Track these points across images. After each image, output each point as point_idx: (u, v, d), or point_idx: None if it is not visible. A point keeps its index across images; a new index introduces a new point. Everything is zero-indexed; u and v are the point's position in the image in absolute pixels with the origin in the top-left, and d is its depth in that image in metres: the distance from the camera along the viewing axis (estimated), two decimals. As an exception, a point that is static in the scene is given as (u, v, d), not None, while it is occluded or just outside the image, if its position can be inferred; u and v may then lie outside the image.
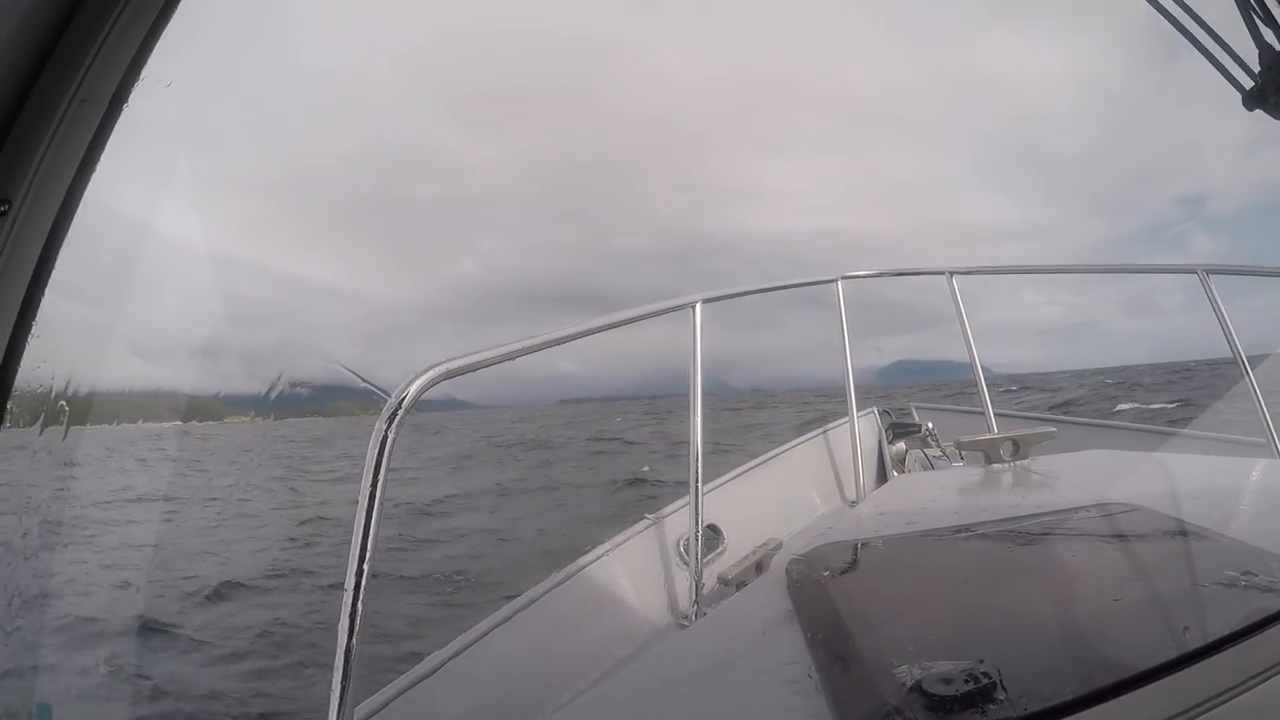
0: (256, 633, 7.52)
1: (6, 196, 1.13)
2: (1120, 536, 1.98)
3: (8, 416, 1.25)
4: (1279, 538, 1.68)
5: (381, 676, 2.29)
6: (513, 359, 2.01)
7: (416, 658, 2.42)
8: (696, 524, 2.71)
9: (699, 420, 2.75)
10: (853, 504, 3.87)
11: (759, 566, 3.05)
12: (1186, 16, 1.30)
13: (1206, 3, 1.31)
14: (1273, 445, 3.20)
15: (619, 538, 3.11)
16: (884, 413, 4.83)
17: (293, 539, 11.83)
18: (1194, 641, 1.25)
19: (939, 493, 2.89)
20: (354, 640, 1.35)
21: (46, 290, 1.21)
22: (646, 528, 3.18)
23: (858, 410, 3.84)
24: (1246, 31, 1.25)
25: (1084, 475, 2.72)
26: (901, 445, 4.59)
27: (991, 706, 1.17)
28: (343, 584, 1.37)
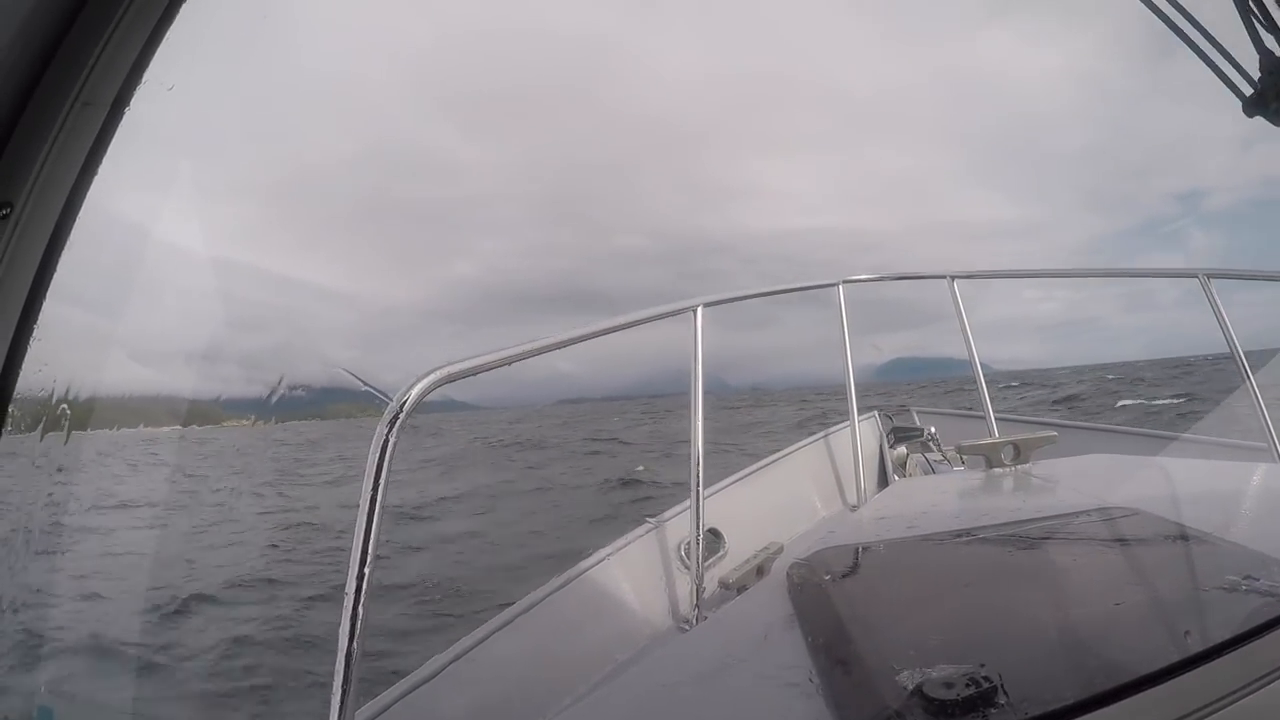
0: (220, 653, 7.10)
1: (8, 200, 1.13)
2: (1121, 541, 1.97)
3: (9, 420, 1.25)
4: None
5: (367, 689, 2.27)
6: (513, 363, 2.01)
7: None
8: (697, 528, 2.71)
9: (700, 424, 2.75)
10: (854, 508, 3.87)
11: (760, 570, 3.05)
12: (1185, 20, 1.30)
13: (1206, 7, 1.30)
14: (1273, 449, 3.20)
15: (620, 541, 3.11)
16: (885, 417, 4.83)
17: (274, 546, 11.56)
18: (1195, 646, 1.25)
19: (940, 497, 2.89)
20: (355, 644, 1.35)
21: (48, 294, 1.21)
22: (647, 531, 3.18)
23: (859, 414, 3.84)
24: (1246, 36, 1.24)
25: (1085, 479, 2.71)
26: (902, 449, 4.59)
27: (992, 711, 1.17)
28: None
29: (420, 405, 1.65)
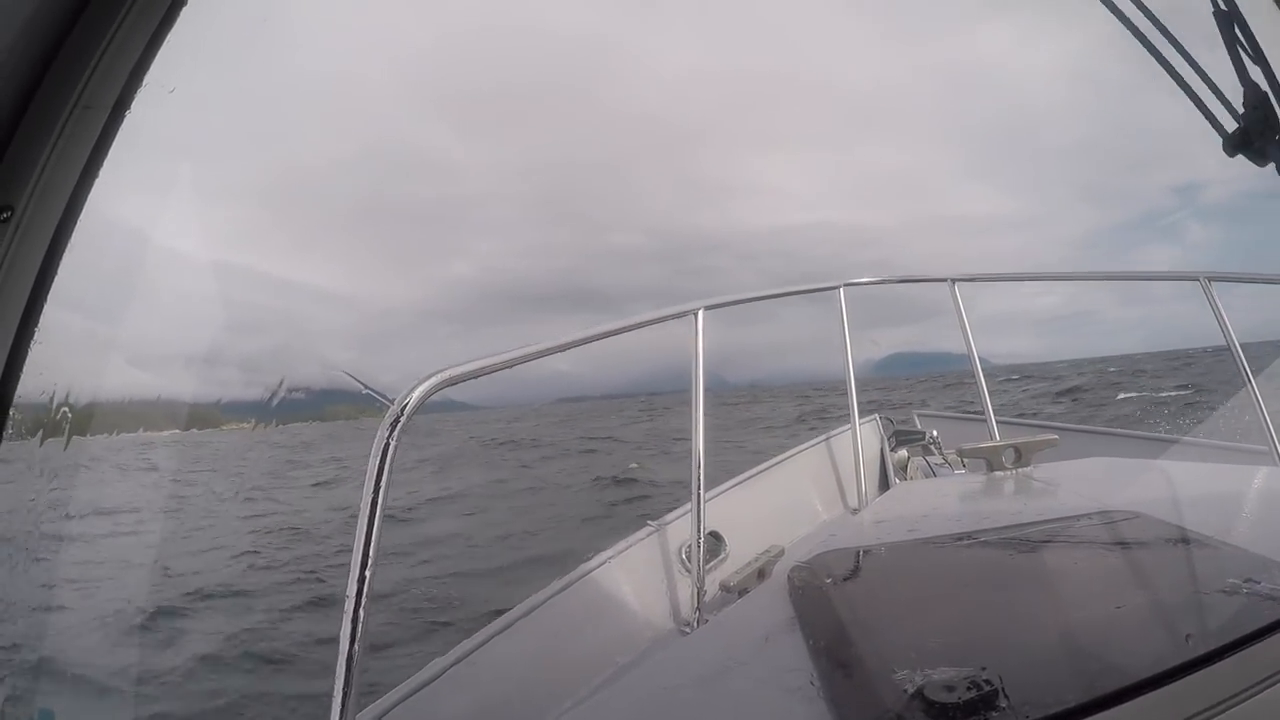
0: (181, 674, 6.51)
1: (9, 203, 1.13)
2: (1122, 544, 1.97)
3: (9, 423, 1.25)
4: None
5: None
6: (514, 365, 2.02)
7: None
8: (698, 531, 2.71)
9: (700, 426, 2.75)
10: (855, 511, 3.87)
11: (761, 573, 3.04)
12: (1170, 45, 1.27)
13: (1190, 35, 1.28)
14: (1274, 452, 3.19)
15: (621, 544, 3.11)
16: (886, 420, 4.83)
17: (254, 551, 11.13)
18: (1196, 649, 1.25)
19: (941, 500, 2.89)
20: (356, 647, 1.36)
21: (48, 298, 1.21)
22: (648, 535, 3.18)
23: (860, 417, 3.84)
24: (1231, 67, 1.22)
25: (1086, 483, 2.71)
26: (904, 452, 4.58)
27: (993, 714, 1.17)
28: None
29: (420, 408, 1.65)
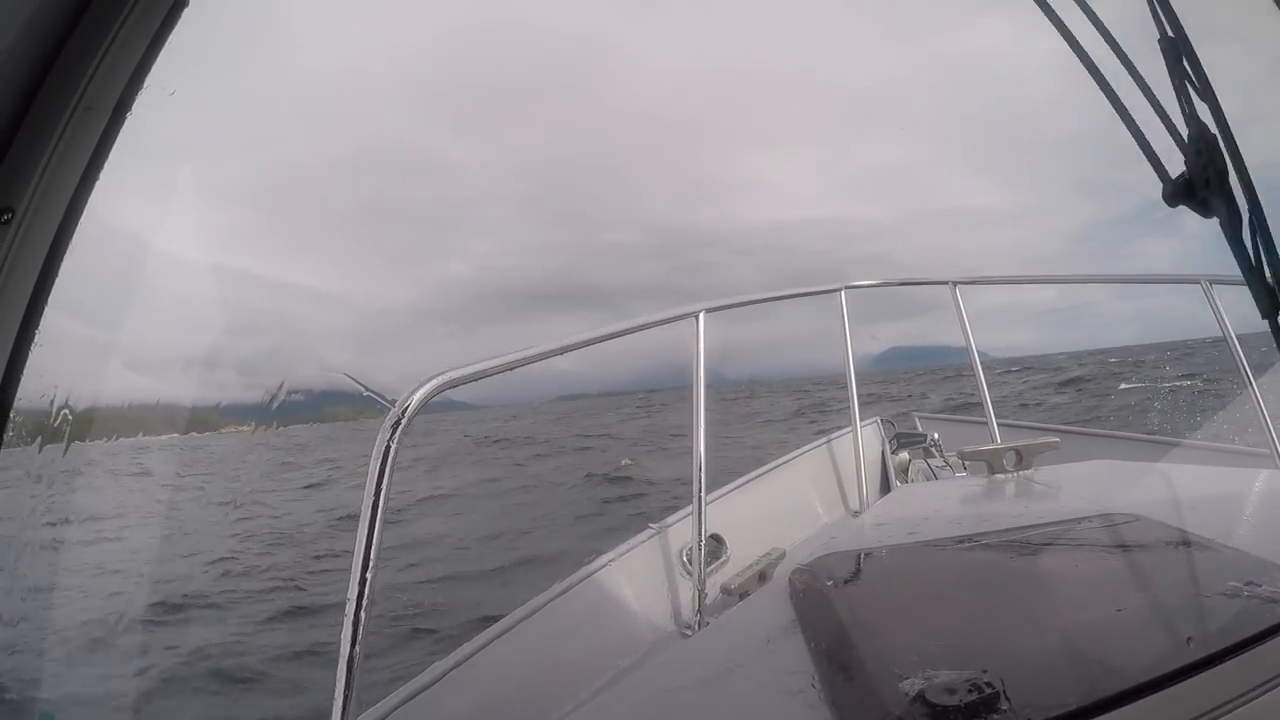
0: (136, 696, 6.05)
1: (9, 205, 1.13)
2: (1123, 547, 1.97)
3: (10, 426, 1.24)
4: None
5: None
6: (515, 368, 2.02)
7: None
8: (699, 533, 2.71)
9: (702, 429, 2.75)
10: (856, 514, 3.87)
11: (762, 576, 3.05)
12: (1124, 77, 1.18)
13: (1147, 69, 1.16)
14: (1275, 455, 3.19)
15: (622, 547, 3.11)
16: (887, 423, 4.83)
17: (231, 558, 10.69)
18: (1197, 652, 1.25)
19: (942, 503, 2.89)
20: (357, 649, 1.36)
21: (49, 300, 1.21)
22: (649, 537, 3.18)
23: (861, 419, 3.84)
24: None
25: (1087, 485, 2.71)
26: (905, 455, 4.58)
27: (995, 716, 1.17)
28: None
29: (421, 409, 1.66)
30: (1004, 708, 1.18)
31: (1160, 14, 1.12)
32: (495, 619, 2.65)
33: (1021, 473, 2.88)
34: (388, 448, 1.55)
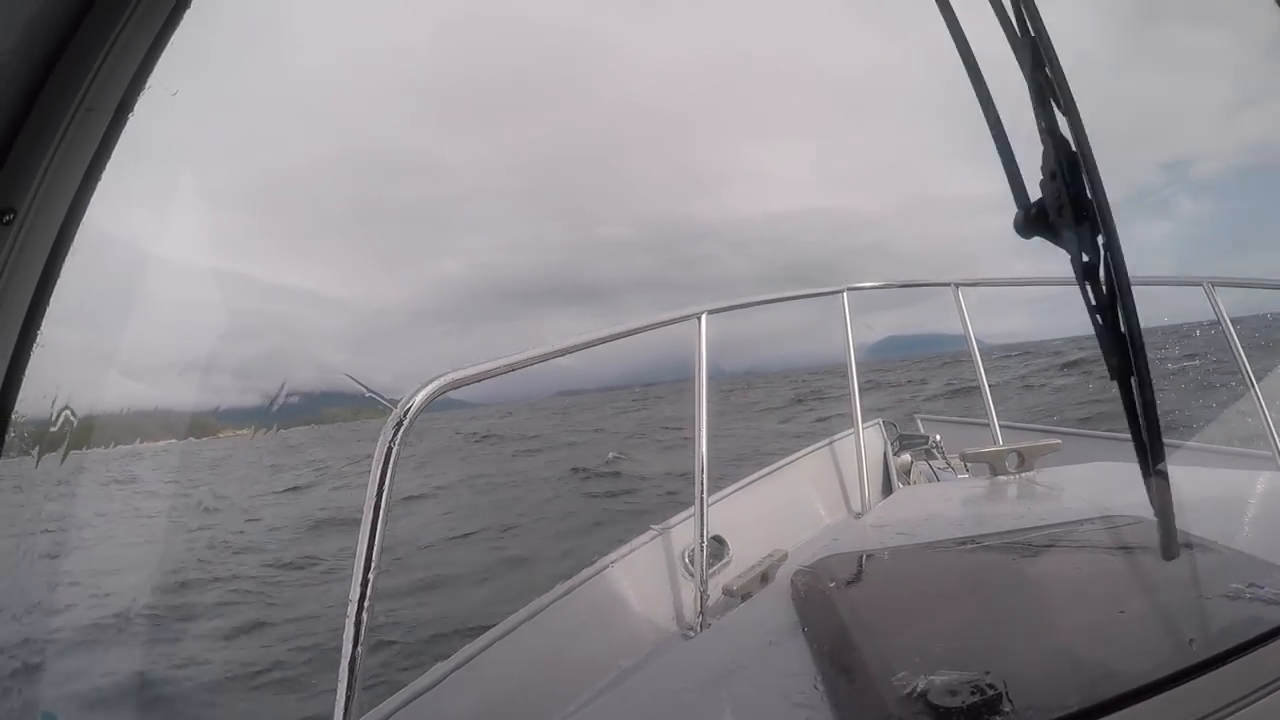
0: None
1: (11, 206, 1.13)
2: (1125, 549, 1.97)
3: (11, 427, 1.25)
4: None
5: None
6: (516, 369, 2.02)
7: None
8: (701, 535, 2.71)
9: (704, 430, 2.75)
10: (858, 516, 3.87)
11: (764, 578, 3.05)
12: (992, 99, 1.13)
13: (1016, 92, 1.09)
14: (1277, 457, 3.19)
15: (624, 549, 3.11)
16: (889, 424, 4.83)
17: (187, 568, 10.12)
18: (1199, 654, 1.25)
19: (944, 505, 2.89)
20: (359, 650, 1.36)
21: (51, 300, 1.21)
22: (652, 539, 3.18)
23: (863, 421, 3.84)
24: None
25: (1089, 487, 2.71)
26: (907, 457, 4.58)
27: (997, 717, 1.17)
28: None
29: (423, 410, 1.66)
30: (1006, 709, 1.18)
31: (1019, 28, 1.09)
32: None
33: (1023, 475, 2.88)
34: (390, 448, 1.56)
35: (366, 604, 1.39)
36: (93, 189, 1.20)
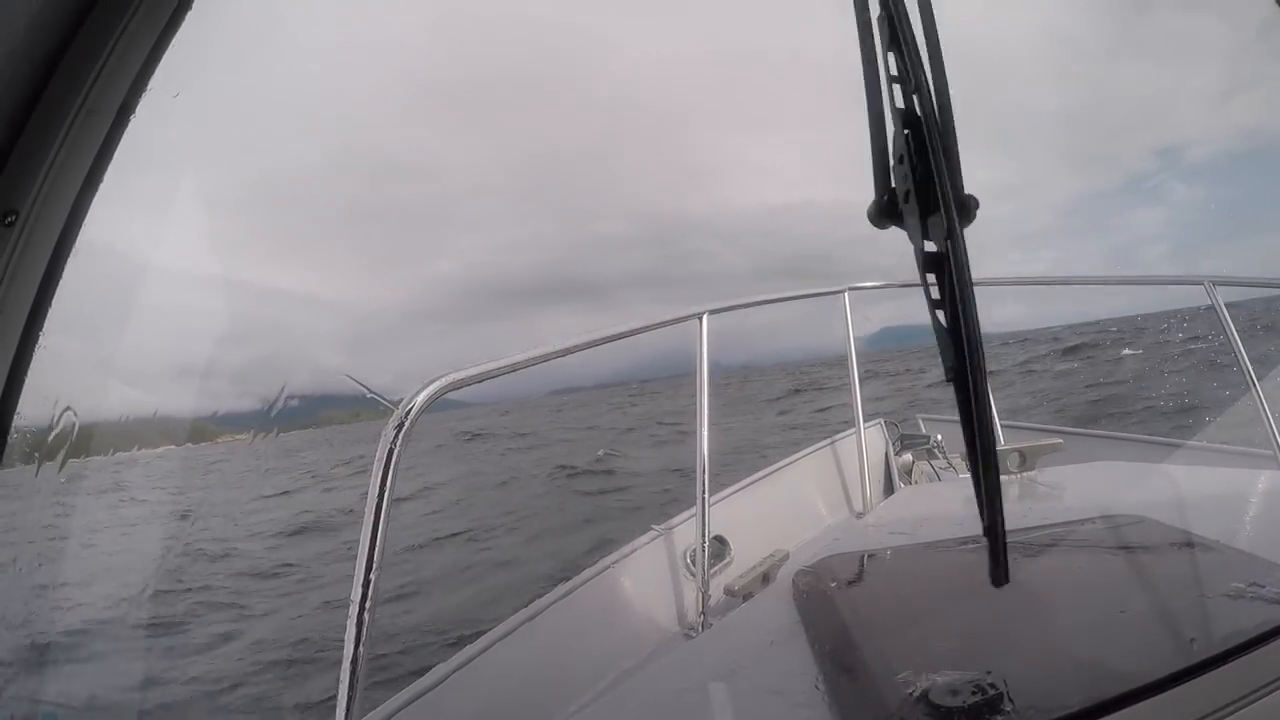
0: None
1: (13, 208, 1.13)
2: (1127, 548, 1.97)
3: (13, 430, 1.25)
4: None
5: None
6: (517, 370, 2.03)
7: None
8: (703, 535, 2.71)
9: (705, 431, 2.75)
10: (860, 515, 3.87)
11: (766, 578, 3.04)
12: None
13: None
14: (1278, 457, 3.19)
15: (626, 549, 3.11)
16: (891, 424, 4.83)
17: (164, 575, 9.56)
18: (1200, 653, 1.25)
19: (946, 504, 2.88)
20: (360, 650, 1.36)
21: (53, 301, 1.21)
22: (653, 539, 3.18)
23: (865, 421, 3.84)
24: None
25: (1091, 486, 2.71)
26: (908, 457, 4.58)
27: (998, 717, 1.17)
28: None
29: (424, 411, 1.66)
30: (1007, 709, 1.18)
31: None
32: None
33: (1025, 474, 2.88)
34: (391, 449, 1.56)
35: (368, 605, 1.39)
36: (94, 191, 1.20)
